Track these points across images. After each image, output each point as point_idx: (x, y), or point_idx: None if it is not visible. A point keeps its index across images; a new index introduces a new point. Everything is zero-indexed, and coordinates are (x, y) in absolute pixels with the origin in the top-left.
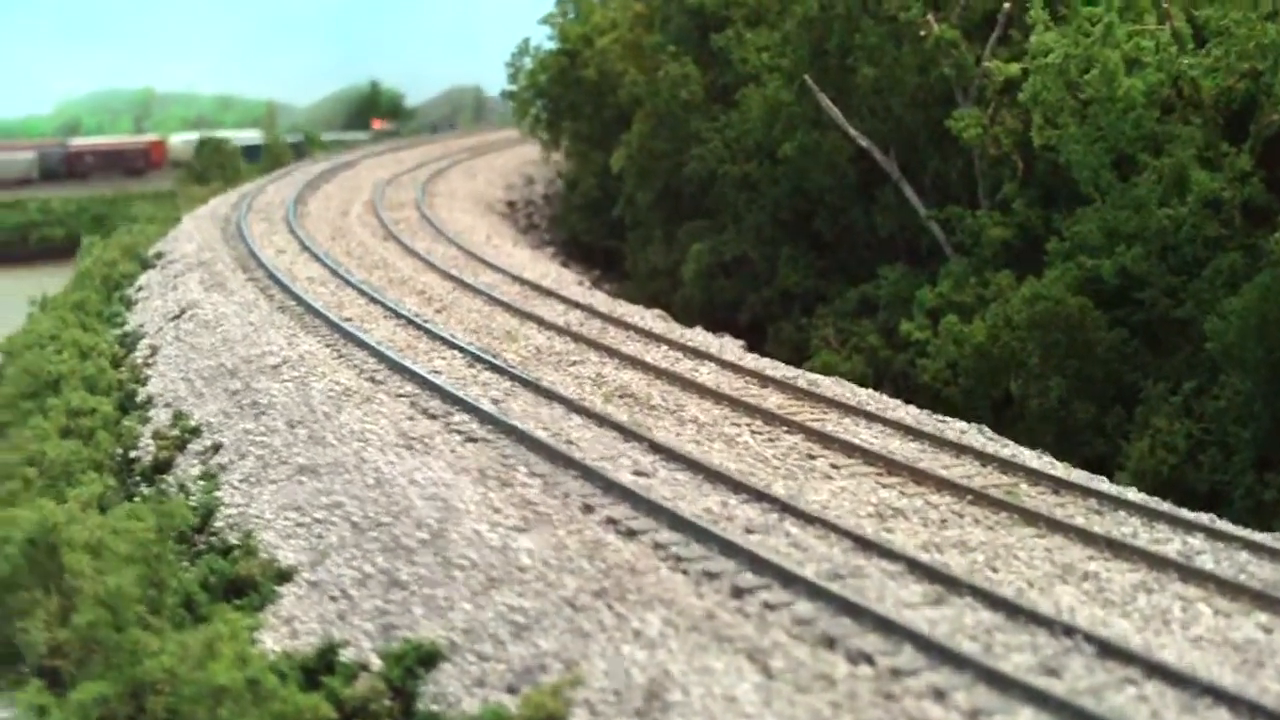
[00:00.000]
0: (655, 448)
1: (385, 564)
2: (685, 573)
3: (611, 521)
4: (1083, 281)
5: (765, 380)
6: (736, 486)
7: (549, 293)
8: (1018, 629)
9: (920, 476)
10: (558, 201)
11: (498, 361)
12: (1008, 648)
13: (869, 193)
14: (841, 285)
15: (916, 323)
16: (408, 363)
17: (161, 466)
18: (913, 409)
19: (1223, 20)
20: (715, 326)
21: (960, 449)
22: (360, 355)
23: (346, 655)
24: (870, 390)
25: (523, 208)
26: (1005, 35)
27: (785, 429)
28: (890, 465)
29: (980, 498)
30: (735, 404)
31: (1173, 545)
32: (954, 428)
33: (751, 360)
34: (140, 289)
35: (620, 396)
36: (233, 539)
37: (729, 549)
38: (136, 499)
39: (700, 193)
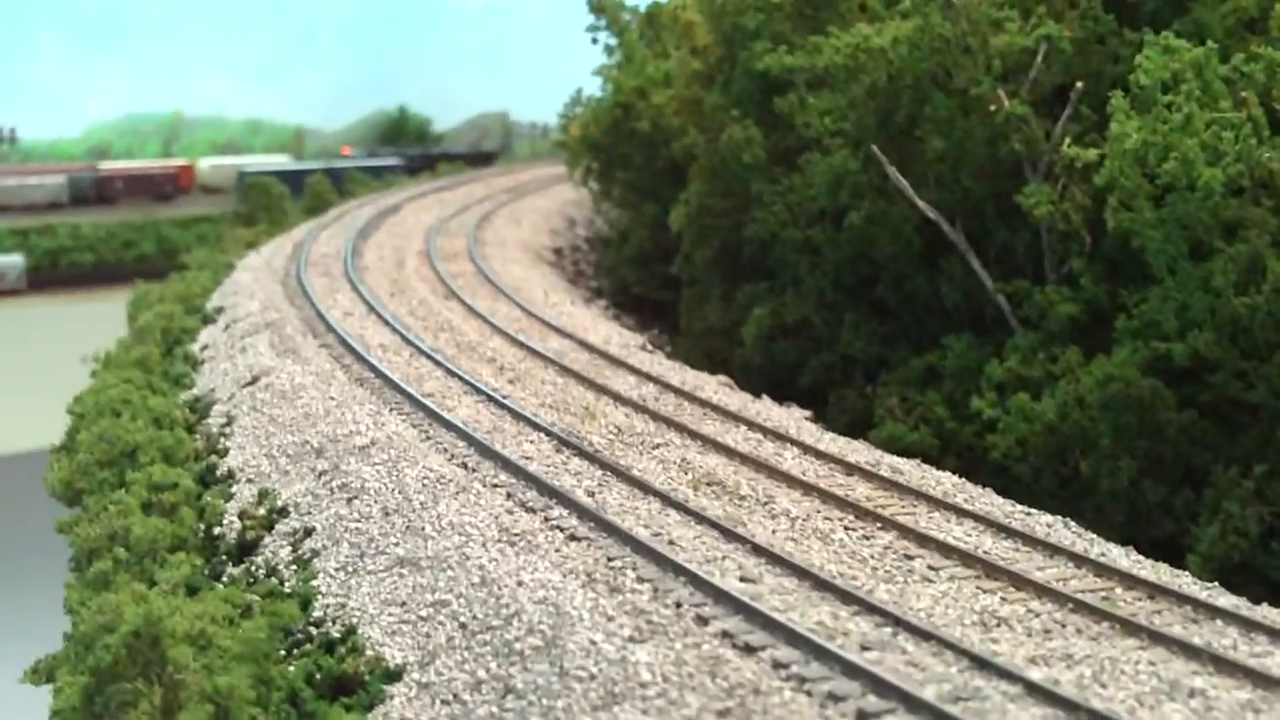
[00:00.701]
0: (757, 549)
1: (499, 669)
2: (809, 694)
3: (727, 635)
4: (1152, 361)
5: (849, 468)
6: (845, 596)
7: (618, 362)
8: None
9: (1019, 581)
10: (599, 246)
11: (584, 445)
12: None
13: (933, 261)
14: (904, 353)
15: (987, 399)
16: (497, 447)
17: (249, 547)
18: (997, 499)
19: None
20: (775, 389)
21: (1052, 549)
22: (448, 437)
23: None
24: (952, 476)
25: (569, 254)
26: (1076, 112)
27: (878, 525)
28: (988, 568)
29: (1080, 606)
30: (824, 495)
31: (1274, 659)
32: (1041, 521)
33: (829, 441)
34: (204, 347)
35: (708, 484)
36: (334, 632)
37: (851, 670)
38: (225, 580)
39: (760, 253)
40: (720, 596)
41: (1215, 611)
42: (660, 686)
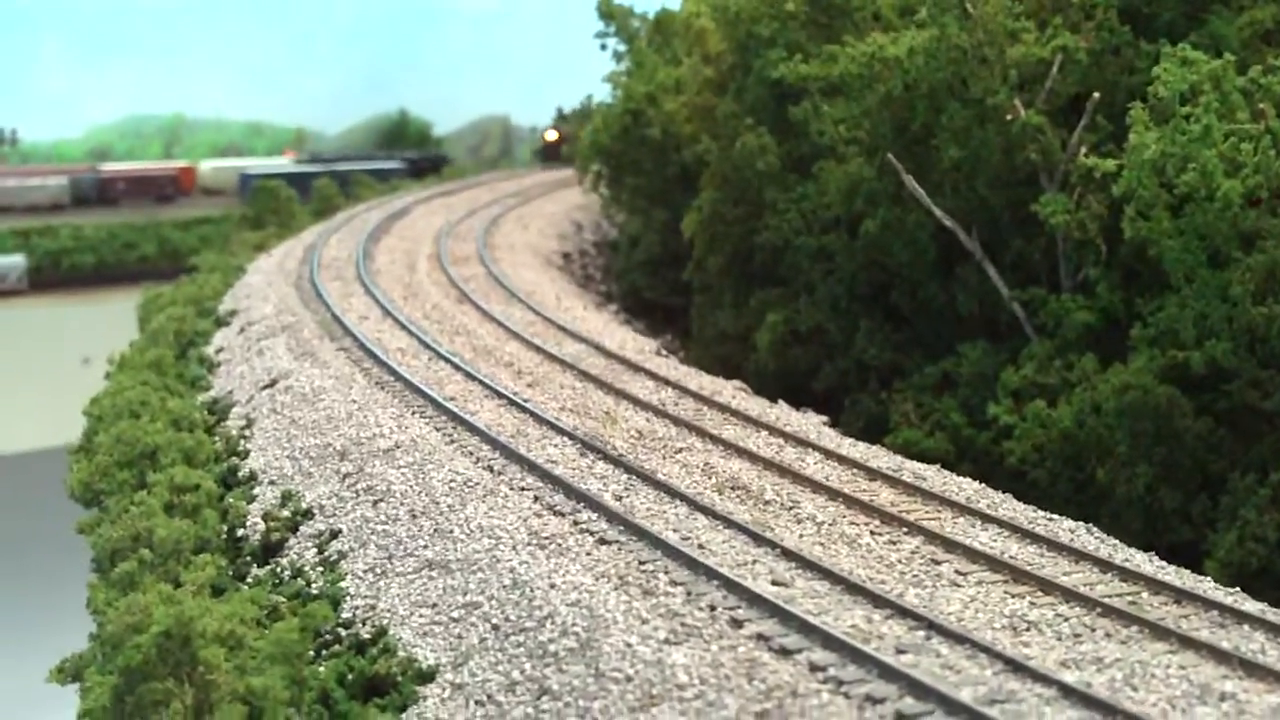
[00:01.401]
0: (787, 553)
1: (533, 671)
2: (847, 696)
3: (763, 638)
4: (1169, 369)
5: (872, 473)
6: (877, 600)
7: (635, 367)
8: None
9: (1047, 586)
10: (607, 251)
11: (607, 449)
12: None
13: (949, 269)
14: (919, 359)
15: (1003, 406)
16: (522, 451)
17: (273, 548)
18: (1019, 505)
19: None
20: (789, 395)
21: (1077, 554)
22: (472, 441)
23: None
24: (973, 482)
25: (577, 259)
26: (1092, 122)
27: (904, 530)
28: (1015, 573)
29: (1108, 610)
30: (849, 500)
31: None
32: (1064, 527)
33: (850, 446)
34: (219, 350)
35: (733, 489)
36: (364, 633)
37: (888, 672)
38: (249, 581)
39: (773, 260)
40: (754, 600)
41: (1242, 616)
42: (698, 688)
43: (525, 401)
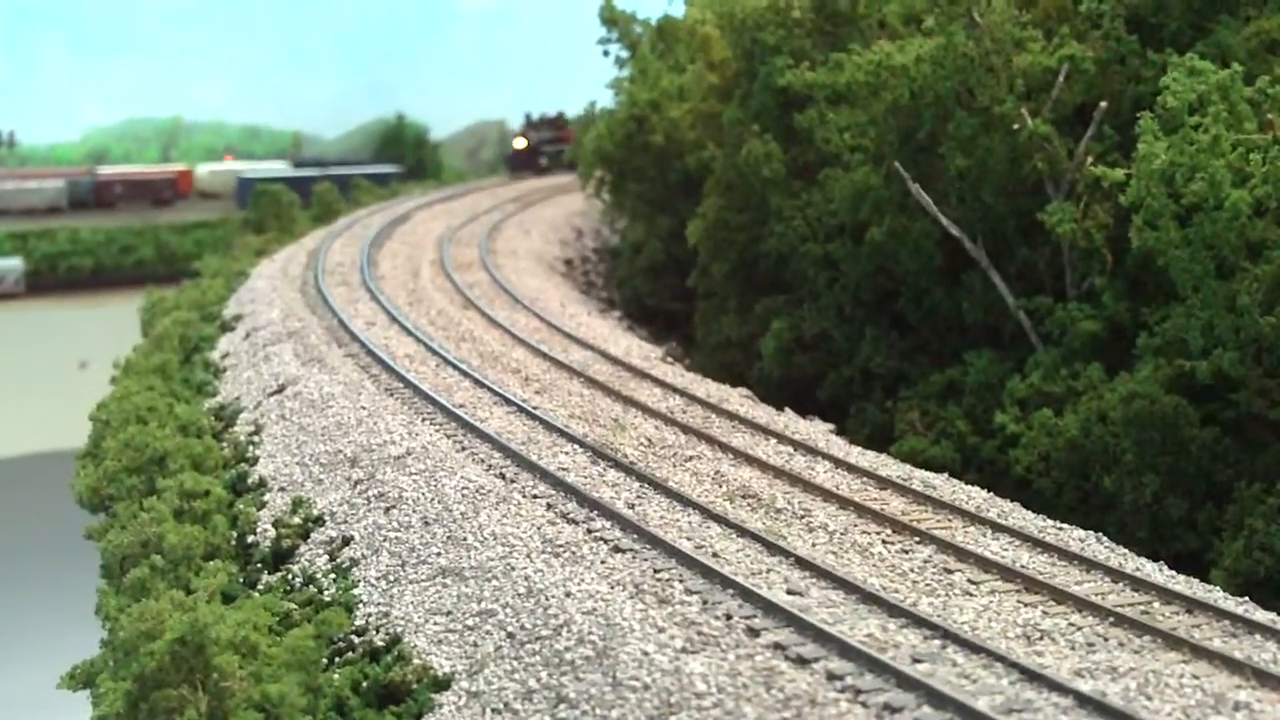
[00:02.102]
0: (801, 562)
1: (550, 679)
2: (865, 705)
3: (779, 647)
4: (1175, 378)
5: (882, 482)
6: (892, 609)
7: (642, 374)
8: None
9: (1059, 595)
10: (608, 257)
11: (618, 458)
12: None
13: (954, 277)
14: (925, 367)
15: (1009, 414)
16: (534, 458)
17: (284, 555)
18: (1028, 514)
19: None
20: (794, 403)
21: (1088, 563)
22: (483, 448)
23: None
24: (981, 491)
25: (579, 265)
26: (1099, 131)
27: (916, 539)
28: (1028, 582)
29: (1121, 619)
30: (860, 509)
31: None
32: (1074, 536)
33: (859, 455)
34: (225, 355)
35: (744, 497)
36: (378, 641)
37: (906, 681)
38: (261, 588)
39: (778, 267)
40: (770, 609)
41: (1253, 626)
42: (716, 697)
43: (534, 409)
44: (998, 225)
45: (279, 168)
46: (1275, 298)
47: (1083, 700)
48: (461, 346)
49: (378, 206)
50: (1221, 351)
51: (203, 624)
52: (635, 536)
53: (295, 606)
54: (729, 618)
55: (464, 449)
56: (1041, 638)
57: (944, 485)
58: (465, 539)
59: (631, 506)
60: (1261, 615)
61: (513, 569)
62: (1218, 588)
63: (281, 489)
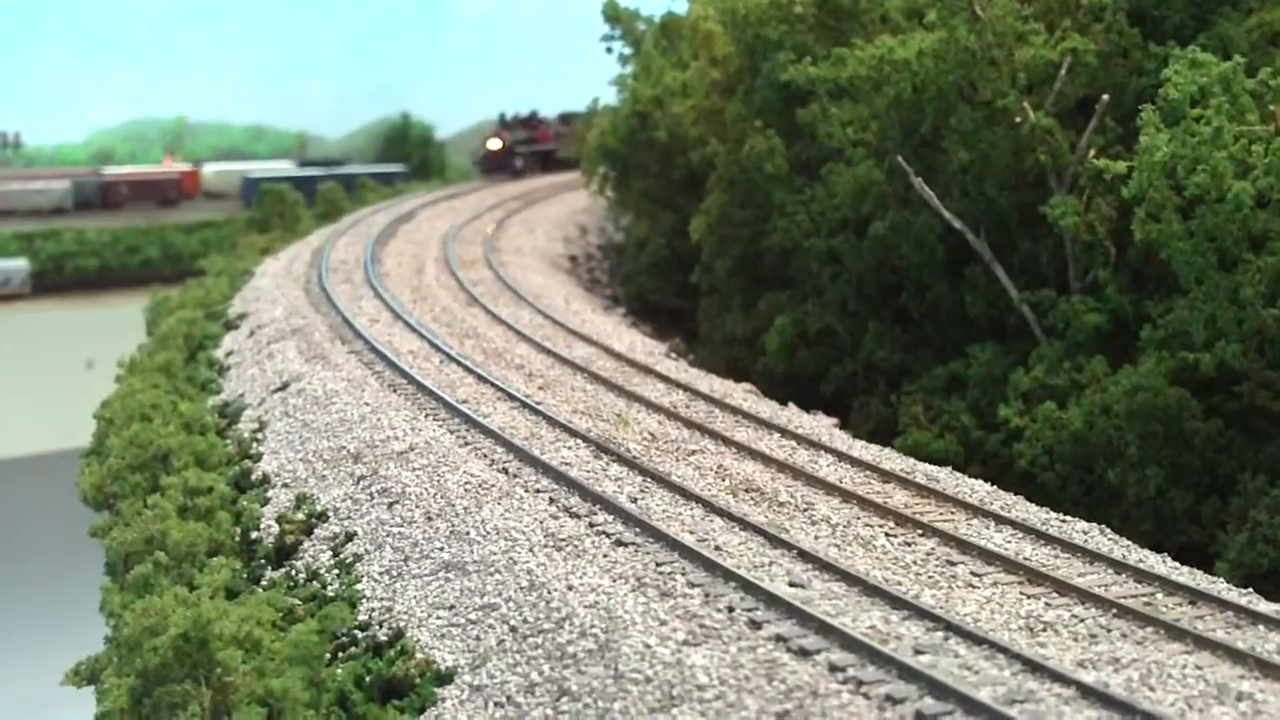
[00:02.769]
0: (803, 555)
1: (552, 672)
2: (867, 696)
3: (781, 639)
4: (1179, 371)
5: (885, 475)
6: (895, 601)
7: (646, 369)
8: None
9: (1062, 587)
10: (612, 254)
11: (621, 452)
12: None
13: (957, 271)
14: (928, 361)
15: (1013, 407)
16: (536, 453)
17: (287, 551)
18: (1032, 507)
19: None
20: (798, 397)
21: (1091, 555)
22: (486, 443)
23: None
24: (984, 484)
25: (584, 262)
26: (1101, 124)
27: (919, 531)
28: (1030, 574)
29: (1124, 611)
30: (863, 502)
31: None
32: (1077, 529)
33: (862, 448)
34: (229, 353)
35: (746, 491)
36: (381, 635)
37: (907, 673)
38: (264, 584)
39: (781, 263)
40: (772, 601)
41: (1257, 617)
42: (718, 689)
43: (538, 404)
44: (1000, 219)
45: (284, 167)
46: (1278, 289)
47: (1085, 691)
48: (465, 343)
49: (382, 205)
50: (1225, 344)
51: (206, 619)
52: (638, 530)
53: (299, 602)
54: (731, 610)
55: (467, 444)
56: (1044, 629)
57: (947, 479)
58: (468, 533)
59: (634, 500)
60: (1265, 606)
61: (515, 563)
62: (1221, 580)
63: (285, 485)
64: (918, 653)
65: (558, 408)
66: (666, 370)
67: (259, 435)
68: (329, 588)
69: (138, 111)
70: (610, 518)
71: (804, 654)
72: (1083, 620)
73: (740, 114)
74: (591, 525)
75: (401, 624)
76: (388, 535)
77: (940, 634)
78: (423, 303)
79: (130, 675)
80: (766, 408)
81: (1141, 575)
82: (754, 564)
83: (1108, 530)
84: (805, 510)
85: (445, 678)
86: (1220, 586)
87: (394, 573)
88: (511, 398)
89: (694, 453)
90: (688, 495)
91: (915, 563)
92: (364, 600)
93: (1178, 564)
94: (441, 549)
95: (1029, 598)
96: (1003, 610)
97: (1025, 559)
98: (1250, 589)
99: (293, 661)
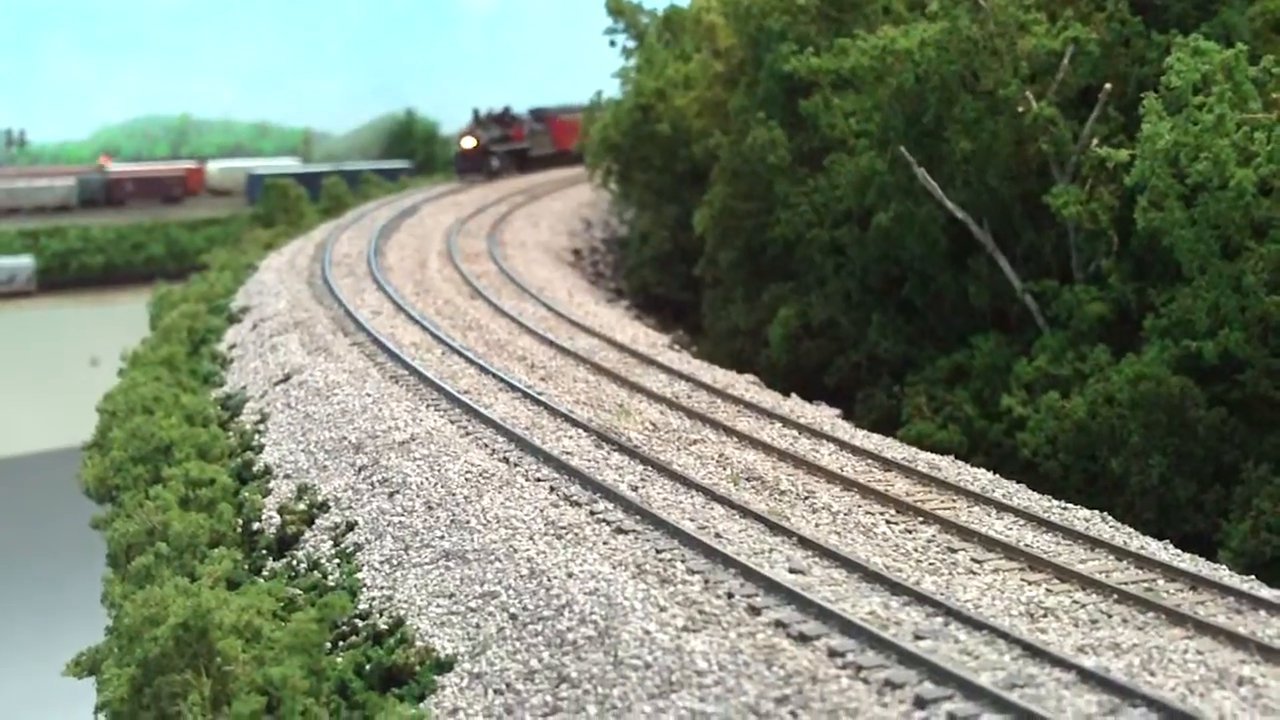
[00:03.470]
0: (804, 542)
1: (552, 659)
2: (866, 681)
3: (781, 625)
4: (1182, 359)
5: (887, 464)
6: (895, 587)
7: (648, 360)
8: None
9: (1063, 573)
10: (616, 247)
11: (622, 441)
12: None
13: (960, 261)
14: (932, 352)
15: (1016, 397)
16: (538, 442)
17: (288, 542)
18: (1034, 495)
19: None
20: (801, 389)
21: (1093, 542)
22: (487, 433)
23: None
24: (987, 472)
25: (587, 255)
26: (1104, 114)
27: (920, 519)
28: (1031, 560)
29: (1124, 596)
30: (864, 490)
31: None
32: (1079, 516)
33: (864, 438)
34: (232, 346)
35: (748, 480)
36: (381, 624)
37: (907, 658)
38: (265, 574)
39: (784, 254)
40: (771, 587)
41: (1258, 602)
42: (717, 675)
43: (539, 395)
44: (1003, 208)
45: (290, 164)
46: None
47: (1086, 676)
48: (468, 335)
49: (386, 200)
50: (1228, 332)
51: (206, 609)
52: (638, 518)
53: (300, 592)
54: (731, 597)
55: (468, 434)
56: (1045, 615)
57: (949, 467)
58: (468, 522)
59: (635, 489)
60: (1267, 592)
61: (515, 551)
62: (1223, 566)
63: (286, 476)
64: (917, 638)
65: (559, 398)
66: (669, 361)
67: (261, 427)
68: (330, 577)
69: (142, 109)
70: (611, 506)
71: (803, 639)
72: (1083, 606)
73: (743, 106)
74: (592, 513)
75: (402, 612)
76: (388, 524)
77: (940, 619)
78: (425, 296)
79: (130, 665)
80: (769, 398)
81: (1143, 561)
82: (754, 551)
83: (1109, 517)
84: (806, 498)
85: (445, 665)
86: (1221, 572)
87: (394, 562)
88: (513, 388)
89: (695, 442)
90: (688, 484)
91: (916, 550)
92: (364, 589)
93: (1180, 551)
94: (442, 538)
95: (1030, 584)
96: (1003, 596)
97: (1026, 546)
98: (1253, 577)
99: (292, 650)
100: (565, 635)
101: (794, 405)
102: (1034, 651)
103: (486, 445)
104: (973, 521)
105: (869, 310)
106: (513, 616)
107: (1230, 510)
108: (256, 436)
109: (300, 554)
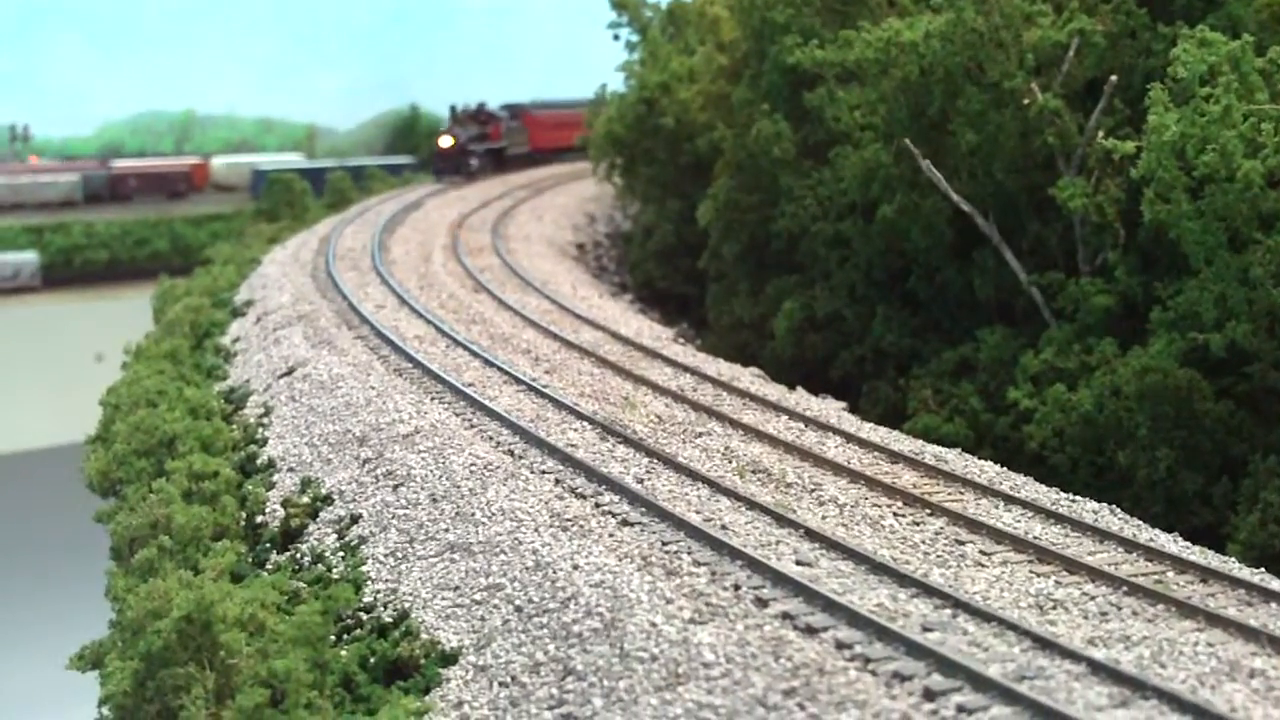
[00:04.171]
0: (810, 534)
1: (557, 651)
2: (874, 673)
3: (788, 616)
4: (1189, 352)
5: (894, 456)
6: (902, 579)
7: (653, 353)
8: None
9: (1072, 565)
10: (620, 242)
11: (628, 433)
12: None
13: (966, 254)
14: (937, 345)
15: (1023, 390)
16: (542, 435)
17: (292, 535)
18: (1041, 487)
19: None
20: (806, 382)
21: (1102, 534)
22: (492, 426)
23: None
24: (994, 465)
25: (591, 250)
26: (1109, 105)
27: (927, 511)
28: (1040, 552)
29: (1134, 589)
30: (871, 483)
31: None
32: (1087, 508)
33: (870, 430)
34: (236, 340)
35: (754, 472)
36: (386, 617)
37: (915, 649)
38: (269, 567)
39: (789, 247)
40: (778, 579)
41: (1269, 594)
42: (724, 667)
43: (544, 387)
44: (1009, 201)
45: (294, 160)
46: None
47: (1095, 668)
48: (472, 328)
49: (390, 194)
50: (1235, 324)
51: (209, 602)
52: (644, 510)
53: (304, 585)
54: (738, 588)
55: (473, 427)
56: (1054, 607)
57: (956, 459)
58: (473, 514)
59: (640, 481)
60: (1278, 585)
61: (520, 543)
62: (1233, 559)
63: (290, 469)
64: (926, 630)
65: (564, 391)
66: (674, 354)
67: (265, 420)
68: (334, 570)
69: (146, 105)
70: (616, 498)
71: (810, 631)
72: (1093, 598)
73: (747, 99)
74: (597, 505)
75: (406, 605)
76: (393, 517)
77: (949, 611)
78: (429, 289)
79: (134, 659)
80: (774, 391)
81: (1152, 554)
82: (760, 543)
83: (1118, 510)
84: (813, 490)
85: (450, 658)
86: (1232, 565)
87: (399, 554)
88: (518, 381)
89: (701, 435)
90: (694, 476)
91: (924, 542)
92: (369, 582)
93: (1189, 543)
94: (446, 530)
95: (1039, 576)
96: (1012, 588)
97: (1035, 538)
98: (1264, 570)
99: (296, 643)
100: (571, 628)
101: (799, 398)
102: (1043, 643)
103: (491, 438)
104: (981, 514)
105: (874, 303)
106: (518, 609)
107: (1238, 503)
108: (260, 430)
109: (304, 547)
